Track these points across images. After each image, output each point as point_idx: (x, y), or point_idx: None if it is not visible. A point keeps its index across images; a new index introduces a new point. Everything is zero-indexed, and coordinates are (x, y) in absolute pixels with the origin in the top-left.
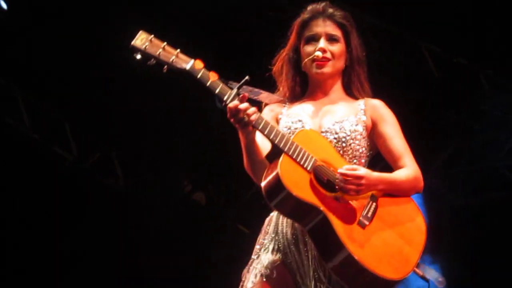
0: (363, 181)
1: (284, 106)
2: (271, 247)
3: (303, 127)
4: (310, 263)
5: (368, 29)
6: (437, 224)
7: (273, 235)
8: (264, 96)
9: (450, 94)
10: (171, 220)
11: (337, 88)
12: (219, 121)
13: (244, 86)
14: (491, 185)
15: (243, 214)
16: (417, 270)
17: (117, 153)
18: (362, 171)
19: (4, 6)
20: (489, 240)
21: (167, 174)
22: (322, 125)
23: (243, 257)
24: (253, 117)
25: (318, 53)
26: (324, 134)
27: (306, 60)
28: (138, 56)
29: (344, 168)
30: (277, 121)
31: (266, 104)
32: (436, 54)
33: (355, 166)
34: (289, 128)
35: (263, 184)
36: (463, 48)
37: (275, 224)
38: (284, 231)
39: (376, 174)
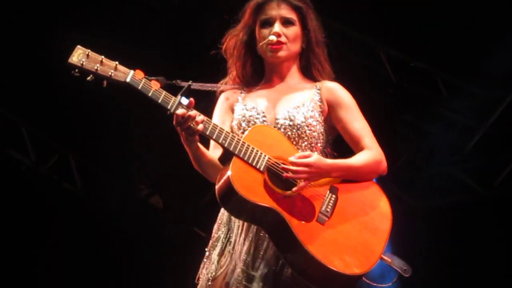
0: (313, 169)
1: (241, 93)
2: (218, 247)
3: (257, 114)
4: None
5: (325, 32)
6: (393, 228)
7: (226, 226)
8: (212, 85)
9: (408, 98)
10: (128, 223)
11: (294, 71)
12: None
13: (194, 83)
14: (449, 189)
15: (200, 218)
16: (385, 258)
17: (74, 156)
18: (312, 158)
19: None
20: (447, 244)
21: (124, 177)
22: (277, 112)
23: (200, 261)
24: (200, 126)
25: (272, 37)
26: (278, 121)
27: (261, 44)
28: (76, 73)
29: (294, 156)
30: (233, 109)
31: (222, 92)
32: (394, 58)
33: (306, 153)
34: (244, 116)
35: (216, 187)
36: (420, 52)
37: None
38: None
39: (328, 161)
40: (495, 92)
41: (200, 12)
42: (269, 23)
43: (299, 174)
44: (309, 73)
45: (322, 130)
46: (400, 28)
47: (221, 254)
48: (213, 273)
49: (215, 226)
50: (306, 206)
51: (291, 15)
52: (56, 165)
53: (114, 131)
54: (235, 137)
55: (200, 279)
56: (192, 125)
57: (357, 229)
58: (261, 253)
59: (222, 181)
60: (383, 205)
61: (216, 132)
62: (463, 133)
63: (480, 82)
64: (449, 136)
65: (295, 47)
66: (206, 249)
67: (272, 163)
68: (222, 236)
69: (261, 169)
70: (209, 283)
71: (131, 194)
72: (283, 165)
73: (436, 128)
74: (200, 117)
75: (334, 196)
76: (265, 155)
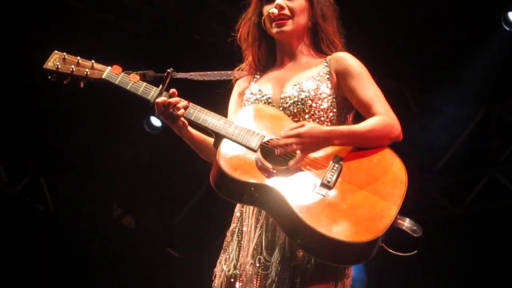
0: (305, 139)
1: (254, 78)
2: (235, 241)
3: (262, 96)
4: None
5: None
6: None
7: (239, 218)
8: (227, 73)
9: None
10: (100, 244)
11: (304, 48)
12: (148, 146)
13: (193, 73)
14: (420, 206)
15: (172, 238)
16: (398, 221)
17: (46, 177)
18: (303, 127)
19: None
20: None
21: (96, 198)
22: (283, 91)
23: (173, 281)
24: (181, 111)
25: (274, 10)
26: (283, 99)
27: (264, 18)
28: (53, 78)
29: (285, 129)
30: (244, 95)
31: (236, 80)
32: None
33: (298, 124)
34: (248, 100)
35: (210, 175)
36: (391, 71)
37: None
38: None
39: (326, 128)
40: (466, 110)
41: (173, 32)
42: None
43: (290, 147)
44: (319, 48)
45: (332, 103)
46: (370, 47)
47: (238, 249)
48: (234, 271)
49: (234, 216)
50: (305, 179)
51: None
52: (28, 187)
53: (86, 152)
54: (223, 119)
55: (216, 275)
56: (173, 111)
57: (364, 196)
58: (275, 238)
59: (213, 167)
60: (396, 169)
61: (202, 117)
62: (435, 151)
63: (451, 100)
64: (421, 154)
65: (302, 20)
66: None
67: (267, 141)
68: (236, 230)
69: (254, 147)
70: (232, 280)
71: (103, 215)
72: (275, 141)
73: (407, 146)
74: (182, 103)
75: (337, 165)
76: (258, 133)
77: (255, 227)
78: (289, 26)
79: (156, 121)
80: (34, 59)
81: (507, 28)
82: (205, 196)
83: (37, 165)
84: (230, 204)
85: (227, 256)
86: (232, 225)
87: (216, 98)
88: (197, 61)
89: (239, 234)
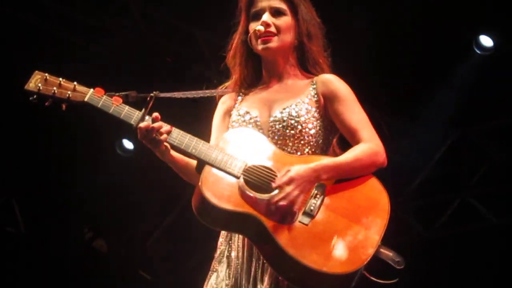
0: (298, 181)
1: (238, 97)
2: (225, 263)
3: (250, 119)
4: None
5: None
6: None
7: (227, 239)
8: (211, 91)
9: None
10: (72, 267)
11: (290, 68)
12: (120, 168)
13: (176, 93)
14: (393, 230)
15: (144, 260)
16: (381, 251)
17: (17, 200)
18: (292, 172)
19: None
20: (389, 286)
21: (68, 221)
22: (271, 114)
23: None
24: (164, 136)
25: (260, 27)
26: (271, 123)
27: (250, 35)
28: (34, 99)
29: (274, 183)
30: (230, 114)
31: (220, 97)
32: None
33: (283, 171)
34: (237, 122)
35: (192, 202)
36: (363, 96)
37: None
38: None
39: (311, 165)
40: (438, 133)
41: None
42: (259, 15)
43: (290, 197)
44: (305, 68)
45: (320, 127)
46: (342, 72)
47: (228, 270)
48: None
49: (219, 240)
50: (287, 208)
51: (282, 5)
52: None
53: (58, 174)
54: (207, 145)
55: None
56: (156, 136)
57: (347, 225)
58: (265, 267)
59: (195, 193)
60: (380, 198)
61: (185, 142)
62: (407, 174)
63: (423, 124)
64: (392, 177)
65: (287, 38)
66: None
67: (250, 167)
68: (225, 250)
69: (236, 174)
70: None
71: (75, 238)
72: (266, 169)
73: (379, 169)
74: (165, 127)
75: (320, 193)
76: (240, 159)
77: (243, 254)
78: (274, 42)
79: (128, 144)
80: (16, 75)
81: (479, 52)
82: (178, 219)
83: (9, 188)
84: (202, 227)
85: (217, 275)
86: (219, 249)
87: (199, 115)
88: (170, 84)
89: (227, 259)
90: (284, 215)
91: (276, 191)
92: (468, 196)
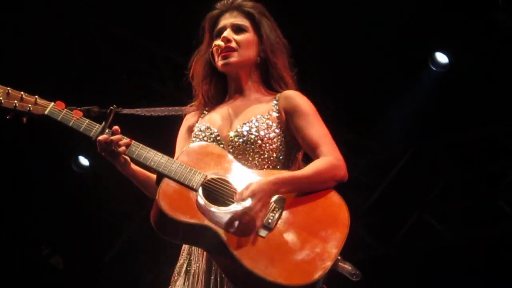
0: (260, 194)
1: (203, 114)
2: (182, 276)
3: (211, 134)
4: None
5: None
6: None
7: (187, 252)
8: (175, 109)
9: None
10: (29, 284)
11: (253, 85)
12: (77, 184)
13: (140, 109)
14: (350, 247)
15: (100, 277)
16: (342, 265)
17: None
18: (253, 185)
19: None
20: None
21: (24, 237)
22: (232, 129)
23: None
24: (122, 148)
25: (220, 43)
26: (231, 138)
27: (211, 50)
28: None
29: (236, 198)
30: (192, 131)
31: (186, 114)
32: None
33: (245, 186)
34: (198, 137)
35: (151, 215)
36: (319, 111)
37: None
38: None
39: (270, 179)
40: (394, 149)
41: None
42: (221, 33)
43: (253, 211)
44: (270, 85)
45: (281, 142)
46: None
47: (187, 283)
48: None
49: (181, 250)
50: (245, 221)
51: (243, 21)
52: None
53: (14, 189)
54: (166, 158)
55: None
56: (115, 149)
57: (305, 238)
58: (224, 281)
59: (153, 206)
60: (339, 212)
61: (144, 155)
62: (363, 190)
63: (379, 140)
64: (349, 194)
65: (248, 53)
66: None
67: (209, 180)
68: (185, 264)
69: (194, 187)
70: None
71: (31, 254)
72: (225, 182)
73: (340, 183)
74: (124, 140)
75: (279, 206)
76: (200, 173)
77: (202, 266)
78: (234, 58)
79: (84, 161)
80: None
81: (434, 68)
82: (135, 235)
83: None
84: (160, 243)
85: None
86: (180, 261)
87: (164, 134)
88: (127, 101)
89: (187, 271)
90: (244, 228)
91: (235, 204)
92: (424, 212)
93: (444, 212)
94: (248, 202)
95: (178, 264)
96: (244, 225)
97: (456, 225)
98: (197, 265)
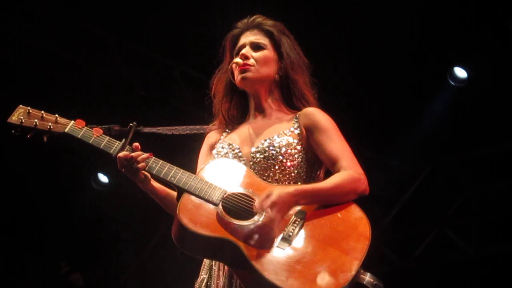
0: (280, 205)
1: (224, 132)
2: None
3: (232, 150)
4: None
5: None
6: None
7: (208, 268)
8: (197, 127)
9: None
10: None
11: (274, 103)
12: (96, 202)
13: (161, 128)
14: (369, 262)
15: None
16: (363, 276)
17: None
18: (273, 195)
19: None
20: None
21: (44, 254)
22: (253, 146)
23: None
24: (142, 164)
25: (238, 60)
26: (253, 154)
27: (230, 67)
28: (17, 132)
29: (256, 207)
30: (214, 148)
31: (208, 133)
32: None
33: (265, 195)
34: (219, 154)
35: (172, 230)
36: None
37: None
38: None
39: (291, 189)
40: (413, 165)
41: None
42: (241, 51)
43: (273, 221)
44: (291, 103)
45: (302, 159)
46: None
47: None
48: None
49: (201, 266)
50: (266, 233)
51: (263, 40)
52: None
53: (34, 209)
54: (186, 173)
55: None
56: (134, 165)
57: (326, 250)
58: None
59: (174, 221)
60: (360, 224)
61: (164, 171)
62: (382, 205)
63: (397, 156)
64: (368, 209)
65: (266, 70)
66: None
67: (229, 195)
68: (205, 279)
69: (215, 201)
70: None
71: (51, 272)
72: (245, 196)
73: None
74: (144, 155)
75: (300, 219)
76: (220, 188)
77: (223, 281)
78: (251, 73)
79: (103, 178)
80: None
81: (453, 83)
82: (154, 252)
83: None
84: (180, 259)
85: None
86: (200, 277)
87: (184, 152)
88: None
89: (207, 286)
90: (264, 240)
91: (256, 217)
92: (444, 227)
93: (464, 227)
94: (267, 213)
95: (199, 279)
96: (264, 237)
97: (476, 240)
98: (218, 280)
